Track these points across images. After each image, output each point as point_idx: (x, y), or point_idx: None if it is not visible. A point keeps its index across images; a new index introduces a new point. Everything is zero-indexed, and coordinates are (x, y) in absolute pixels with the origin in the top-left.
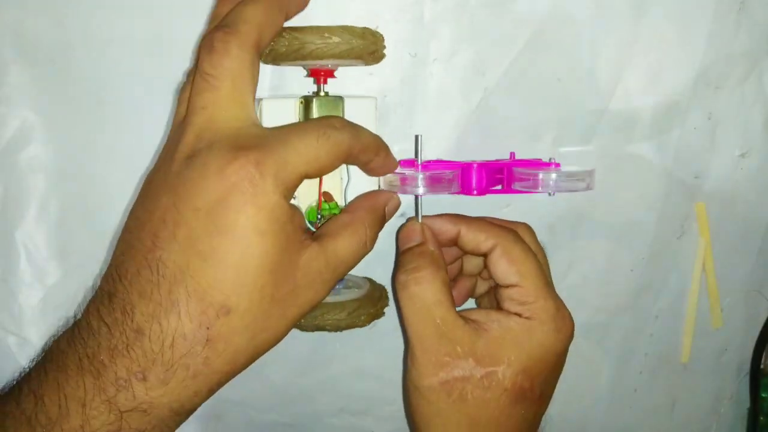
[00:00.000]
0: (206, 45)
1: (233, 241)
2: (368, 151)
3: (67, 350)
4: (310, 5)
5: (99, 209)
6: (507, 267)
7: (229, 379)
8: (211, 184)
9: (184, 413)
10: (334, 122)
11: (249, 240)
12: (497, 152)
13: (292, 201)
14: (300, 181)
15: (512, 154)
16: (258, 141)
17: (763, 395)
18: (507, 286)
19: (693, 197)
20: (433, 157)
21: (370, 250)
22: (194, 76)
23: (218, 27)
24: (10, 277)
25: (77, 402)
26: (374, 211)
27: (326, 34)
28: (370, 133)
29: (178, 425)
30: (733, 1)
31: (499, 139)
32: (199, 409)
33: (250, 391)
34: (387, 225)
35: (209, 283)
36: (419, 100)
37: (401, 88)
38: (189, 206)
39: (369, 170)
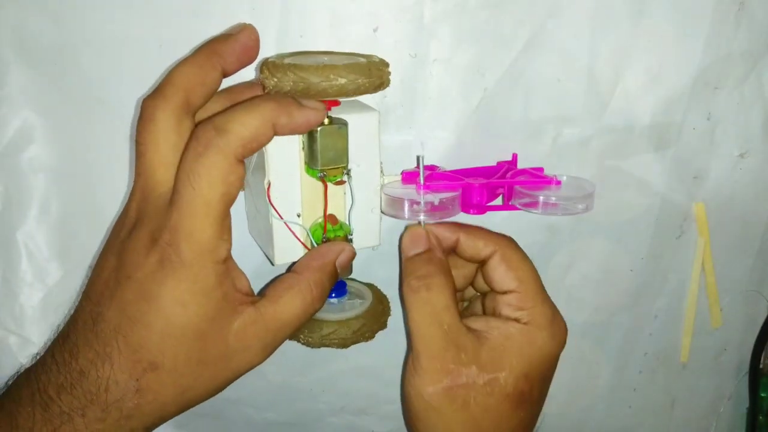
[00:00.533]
0: (140, 112)
1: (158, 311)
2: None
3: (24, 383)
4: (313, 7)
5: (100, 209)
6: (506, 273)
7: (165, 421)
8: (141, 258)
9: None
10: (234, 147)
11: (172, 310)
12: (497, 152)
13: (296, 219)
14: (224, 224)
15: (515, 156)
16: (174, 219)
17: (762, 395)
18: (504, 292)
19: (692, 197)
20: (434, 159)
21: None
22: None
23: (149, 94)
24: (12, 277)
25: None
26: (321, 269)
27: (332, 76)
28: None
29: None
30: (733, 1)
31: (500, 139)
32: (198, 408)
33: (250, 389)
34: (390, 225)
35: (138, 343)
36: (419, 100)
37: (401, 88)
38: (124, 274)
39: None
